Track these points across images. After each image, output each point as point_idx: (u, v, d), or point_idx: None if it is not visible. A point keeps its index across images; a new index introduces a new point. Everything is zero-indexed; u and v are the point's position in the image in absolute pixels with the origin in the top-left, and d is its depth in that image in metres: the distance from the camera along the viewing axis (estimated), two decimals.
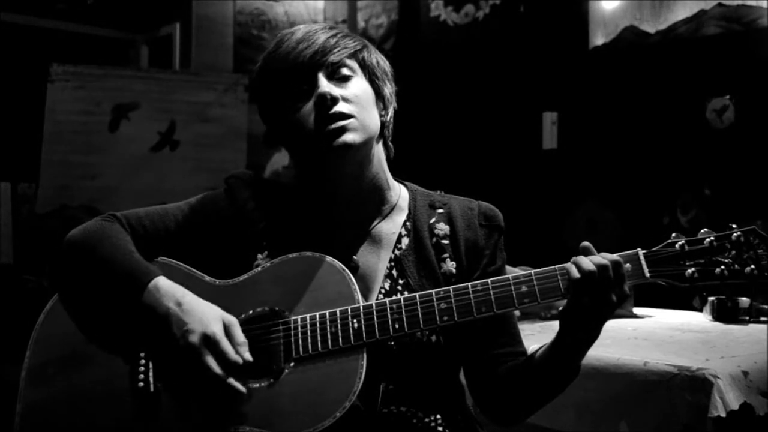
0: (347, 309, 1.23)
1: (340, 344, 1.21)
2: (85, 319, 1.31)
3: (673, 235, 1.24)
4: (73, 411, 1.26)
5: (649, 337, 2.17)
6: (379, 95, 1.37)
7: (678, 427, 1.68)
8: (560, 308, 1.24)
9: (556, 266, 1.23)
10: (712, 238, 1.22)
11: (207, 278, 1.32)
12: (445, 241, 1.37)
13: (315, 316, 1.24)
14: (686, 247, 1.22)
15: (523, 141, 4.07)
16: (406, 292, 1.31)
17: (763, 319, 2.41)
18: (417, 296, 1.23)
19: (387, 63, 1.42)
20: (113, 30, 5.15)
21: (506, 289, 1.22)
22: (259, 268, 1.31)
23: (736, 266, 1.20)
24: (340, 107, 1.28)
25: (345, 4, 5.05)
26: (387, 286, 1.34)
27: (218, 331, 1.19)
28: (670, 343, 2.07)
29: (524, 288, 1.22)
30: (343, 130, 1.28)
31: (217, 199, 1.41)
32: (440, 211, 1.41)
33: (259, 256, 1.33)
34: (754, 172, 3.22)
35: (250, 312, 1.28)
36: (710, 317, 2.46)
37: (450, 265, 1.35)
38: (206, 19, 4.80)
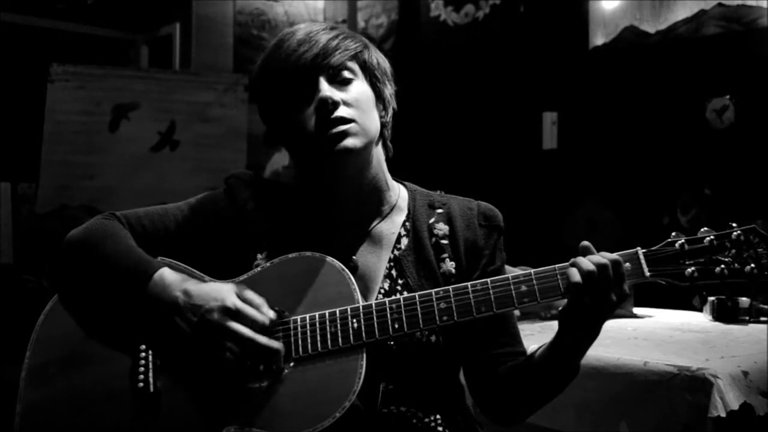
0: (347, 309, 1.23)
1: (340, 344, 1.21)
2: (87, 318, 1.31)
3: (673, 234, 1.24)
4: (73, 411, 1.26)
5: (649, 337, 2.17)
6: (379, 97, 1.37)
7: (678, 427, 1.67)
8: (560, 308, 1.23)
9: (556, 266, 1.22)
10: (712, 237, 1.21)
11: (207, 278, 1.32)
12: (445, 241, 1.37)
13: (315, 316, 1.24)
14: (686, 246, 1.22)
15: (523, 141, 4.07)
16: (405, 292, 1.31)
17: (763, 319, 2.41)
18: (416, 296, 1.23)
19: (387, 62, 1.41)
20: (113, 30, 5.15)
21: (506, 288, 1.22)
22: (259, 268, 1.31)
23: (736, 265, 1.20)
24: (341, 112, 1.28)
25: (345, 4, 5.05)
26: (386, 286, 1.34)
27: (237, 301, 1.20)
28: (670, 343, 2.07)
29: (524, 287, 1.22)
30: (344, 134, 1.28)
31: (216, 199, 1.41)
32: (439, 211, 1.41)
33: (259, 256, 1.33)
34: (754, 172, 3.22)
35: None
36: (710, 317, 2.46)
37: (449, 265, 1.35)
38: (206, 19, 4.80)
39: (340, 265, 1.27)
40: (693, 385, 1.67)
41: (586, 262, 1.17)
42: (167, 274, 1.25)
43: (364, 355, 1.20)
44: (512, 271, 1.29)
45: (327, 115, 1.28)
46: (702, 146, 3.40)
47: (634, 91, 3.67)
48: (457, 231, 1.38)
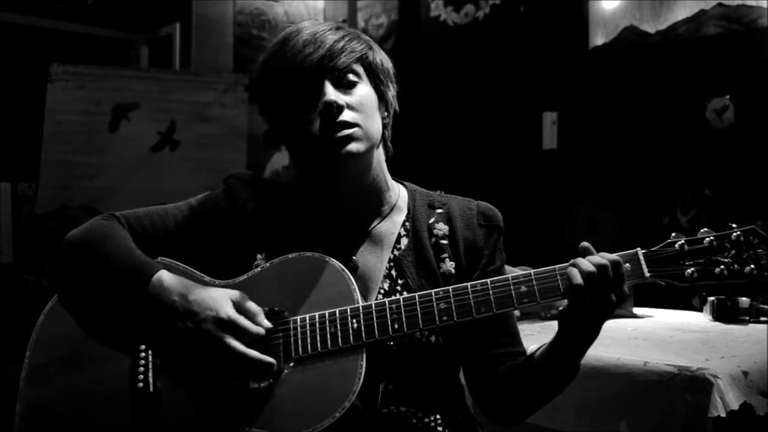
0: (346, 309, 1.23)
1: (340, 344, 1.21)
2: (86, 318, 1.31)
3: (673, 234, 1.24)
4: (73, 411, 1.26)
5: (649, 337, 2.17)
6: (382, 99, 1.37)
7: (678, 427, 1.67)
8: (560, 308, 1.23)
9: (556, 266, 1.22)
10: (711, 237, 1.21)
11: (206, 278, 1.32)
12: (444, 241, 1.37)
13: (314, 316, 1.24)
14: (686, 247, 1.22)
15: (523, 141, 4.07)
16: (405, 293, 1.31)
17: (763, 319, 2.41)
18: (416, 296, 1.23)
19: (390, 63, 1.41)
20: (113, 30, 5.14)
21: (505, 289, 1.22)
22: (259, 269, 1.31)
23: (735, 266, 1.20)
24: (346, 116, 1.28)
25: (345, 4, 5.05)
26: (386, 286, 1.34)
27: (231, 312, 1.20)
28: (670, 343, 2.07)
29: (523, 288, 1.22)
30: (349, 139, 1.28)
31: (216, 200, 1.41)
32: (439, 211, 1.41)
33: (259, 256, 1.33)
34: (754, 172, 3.22)
35: None
36: (710, 317, 2.46)
37: (449, 265, 1.35)
38: (206, 19, 4.80)
39: (340, 265, 1.27)
40: (693, 385, 1.67)
41: (586, 263, 1.17)
42: (165, 277, 1.24)
43: (364, 356, 1.20)
44: (512, 272, 1.29)
45: (332, 119, 1.27)
46: (702, 146, 3.40)
47: (634, 91, 3.67)
48: (457, 231, 1.38)
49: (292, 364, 1.22)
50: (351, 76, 1.31)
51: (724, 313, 2.42)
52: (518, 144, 4.10)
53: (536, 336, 2.15)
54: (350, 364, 1.20)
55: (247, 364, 1.19)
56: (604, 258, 1.18)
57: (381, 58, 1.38)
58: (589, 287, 1.16)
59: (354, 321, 1.22)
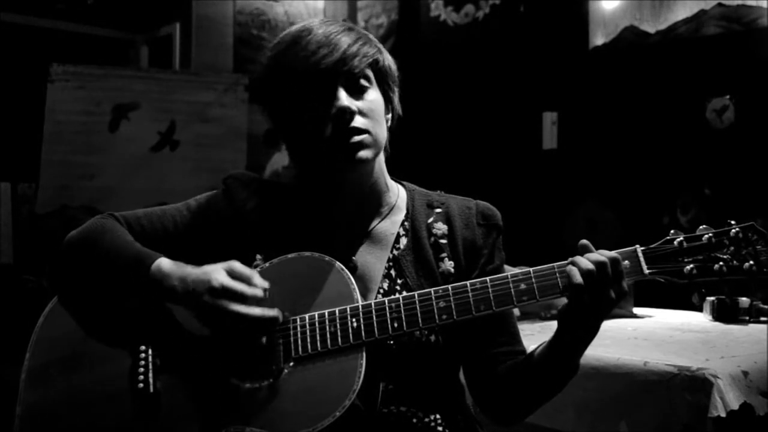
0: (346, 309, 1.23)
1: (340, 344, 1.21)
2: (87, 317, 1.31)
3: (672, 231, 1.24)
4: (73, 412, 1.26)
5: (649, 337, 2.17)
6: (388, 104, 1.37)
7: (678, 427, 1.67)
8: (559, 307, 1.24)
9: (554, 264, 1.23)
10: (710, 234, 1.21)
11: None
12: (443, 241, 1.37)
13: (314, 315, 1.24)
14: (684, 244, 1.22)
15: (523, 141, 4.07)
16: (404, 292, 1.31)
17: (763, 319, 2.41)
18: (416, 295, 1.23)
19: (395, 66, 1.41)
20: (113, 30, 5.14)
21: (505, 287, 1.22)
22: (258, 269, 1.31)
23: (734, 262, 1.20)
24: (357, 122, 1.28)
25: (345, 4, 5.05)
26: (386, 286, 1.34)
27: (224, 279, 1.20)
28: (670, 343, 2.07)
29: (523, 286, 1.22)
30: (360, 145, 1.28)
31: (215, 200, 1.41)
32: (438, 210, 1.41)
33: (258, 256, 1.33)
34: (754, 172, 3.22)
35: None
36: (710, 317, 2.46)
37: (448, 265, 1.35)
38: (206, 19, 4.79)
39: (340, 265, 1.27)
40: (693, 385, 1.67)
41: (585, 261, 1.18)
42: (165, 264, 1.25)
43: (364, 355, 1.20)
44: (511, 272, 1.29)
45: (344, 125, 1.27)
46: (702, 146, 3.40)
47: (634, 91, 3.67)
48: (456, 230, 1.38)
49: (291, 364, 1.22)
50: (363, 81, 1.31)
51: (724, 313, 2.42)
52: (518, 144, 4.10)
53: (536, 336, 2.15)
54: (350, 364, 1.20)
55: (251, 324, 1.19)
56: (603, 255, 1.18)
57: (389, 62, 1.38)
58: (588, 285, 1.16)
59: (354, 320, 1.22)
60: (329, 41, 1.28)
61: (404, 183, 1.47)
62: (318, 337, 1.22)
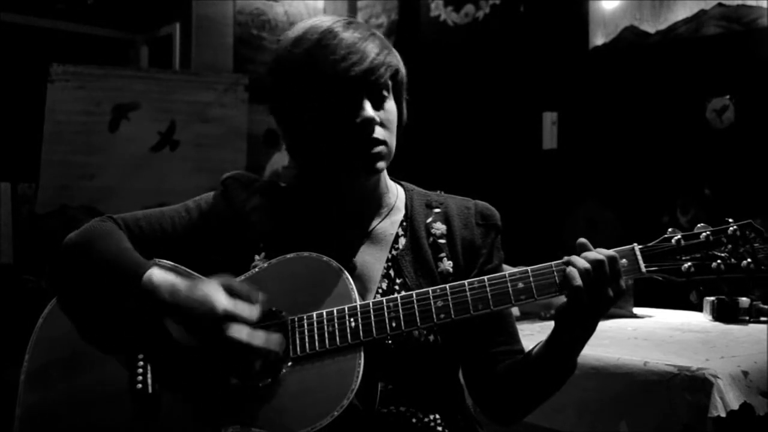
0: (344, 308, 1.23)
1: (338, 343, 1.21)
2: (83, 321, 1.31)
3: (669, 230, 1.24)
4: (72, 414, 1.26)
5: (649, 337, 2.17)
6: (400, 113, 1.37)
7: (678, 427, 1.67)
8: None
9: (552, 263, 1.23)
10: (708, 232, 1.21)
11: (204, 279, 1.32)
12: (442, 241, 1.37)
13: (312, 315, 1.24)
14: (682, 242, 1.22)
15: (523, 141, 4.07)
16: (403, 292, 1.31)
17: (763, 319, 2.41)
18: (414, 295, 1.23)
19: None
20: (113, 30, 5.14)
21: (503, 286, 1.22)
22: (257, 269, 1.31)
23: (732, 260, 1.20)
24: (378, 133, 1.28)
25: (345, 4, 5.06)
26: (384, 286, 1.34)
27: (226, 303, 1.18)
28: (670, 343, 2.07)
29: (521, 284, 1.22)
30: (379, 156, 1.29)
31: (214, 201, 1.40)
32: (437, 210, 1.41)
33: (257, 257, 1.33)
34: (753, 172, 3.22)
35: None
36: (710, 317, 2.46)
37: (447, 265, 1.35)
38: (206, 19, 4.80)
39: (338, 265, 1.27)
40: (693, 385, 1.67)
41: (583, 260, 1.18)
42: (156, 276, 1.23)
43: (362, 354, 1.20)
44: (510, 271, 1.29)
45: (367, 136, 1.27)
46: (702, 146, 3.40)
47: (634, 91, 3.67)
48: (455, 230, 1.38)
49: (290, 364, 1.22)
50: (384, 92, 1.31)
51: (724, 313, 2.42)
52: (518, 144, 4.10)
53: (536, 336, 2.14)
54: (348, 363, 1.20)
55: (254, 354, 1.18)
56: (600, 254, 1.18)
57: (404, 71, 1.38)
58: (586, 283, 1.16)
59: (352, 320, 1.22)
60: (357, 48, 1.26)
61: (403, 183, 1.47)
62: (316, 337, 1.22)
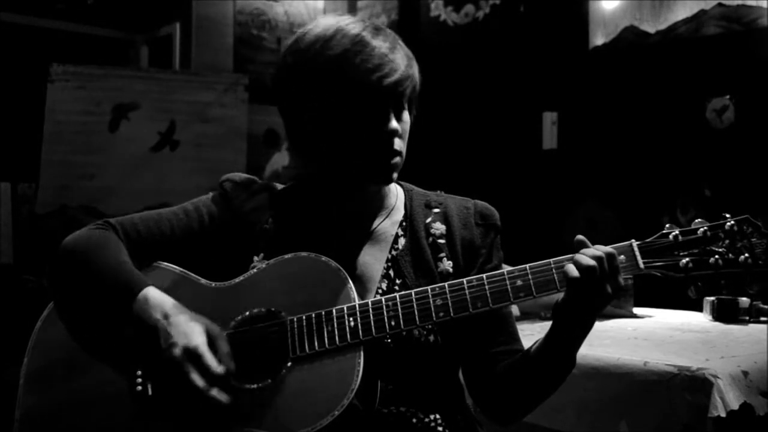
0: (343, 308, 1.23)
1: (337, 343, 1.21)
2: (78, 329, 1.30)
3: (667, 225, 1.24)
4: (71, 415, 1.26)
5: (649, 337, 2.17)
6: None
7: (678, 427, 1.67)
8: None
9: (551, 260, 1.23)
10: (705, 227, 1.22)
11: (203, 281, 1.32)
12: (442, 241, 1.37)
13: (311, 315, 1.24)
14: (680, 238, 1.22)
15: (523, 141, 4.07)
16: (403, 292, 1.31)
17: (763, 319, 2.41)
18: (412, 293, 1.23)
19: None
20: (113, 30, 5.14)
21: (501, 283, 1.22)
22: (256, 269, 1.31)
23: (730, 255, 1.20)
24: (397, 145, 1.30)
25: (345, 4, 5.06)
26: (384, 286, 1.34)
27: (201, 344, 1.17)
28: (670, 343, 2.07)
29: (519, 282, 1.22)
30: (395, 167, 1.31)
31: (212, 202, 1.40)
32: (436, 210, 1.41)
33: (255, 258, 1.33)
34: (753, 172, 3.22)
35: (247, 313, 1.28)
36: (710, 317, 2.46)
37: (447, 265, 1.35)
38: (206, 19, 4.79)
39: (337, 265, 1.27)
40: (693, 385, 1.67)
41: (581, 257, 1.18)
42: (151, 295, 1.23)
43: (362, 353, 1.20)
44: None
45: (389, 147, 1.28)
46: (702, 146, 3.40)
47: (634, 91, 3.67)
48: (454, 230, 1.38)
49: (289, 364, 1.22)
50: (404, 103, 1.32)
51: (724, 313, 2.42)
52: (518, 144, 4.10)
53: (536, 336, 2.12)
54: (348, 363, 1.20)
55: (202, 397, 1.16)
56: (599, 250, 1.19)
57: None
58: (585, 280, 1.17)
59: (351, 319, 1.22)
60: (389, 59, 1.26)
61: (402, 183, 1.47)
62: (315, 337, 1.22)
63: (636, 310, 2.61)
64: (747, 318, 2.40)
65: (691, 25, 3.46)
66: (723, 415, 1.62)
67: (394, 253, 1.37)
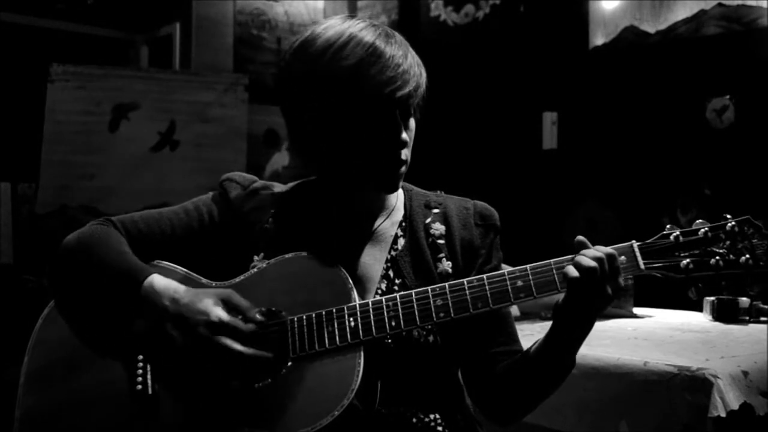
0: (343, 308, 1.23)
1: (337, 343, 1.21)
2: (81, 324, 1.31)
3: (668, 226, 1.24)
4: (72, 415, 1.26)
5: (649, 337, 2.17)
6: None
7: (678, 427, 1.67)
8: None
9: (551, 260, 1.23)
10: (706, 228, 1.22)
11: (203, 280, 1.32)
12: (441, 241, 1.37)
13: (312, 315, 1.24)
14: (681, 239, 1.22)
15: (523, 141, 4.07)
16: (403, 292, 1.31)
17: (763, 319, 2.41)
18: (413, 293, 1.23)
19: None
20: (113, 30, 5.14)
21: (502, 284, 1.22)
22: (255, 269, 1.31)
23: (731, 256, 1.20)
24: (404, 154, 1.30)
25: (345, 4, 5.05)
26: (384, 286, 1.34)
27: (222, 314, 1.19)
28: (670, 343, 2.07)
29: (520, 282, 1.22)
30: (401, 176, 1.32)
31: (212, 202, 1.40)
32: (436, 211, 1.41)
33: (256, 257, 1.33)
34: (753, 172, 3.22)
35: None
36: (710, 317, 2.46)
37: (446, 265, 1.35)
38: (206, 19, 4.79)
39: (337, 265, 1.27)
40: (693, 385, 1.67)
41: (581, 258, 1.18)
42: (157, 281, 1.24)
43: (362, 354, 1.20)
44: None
45: (397, 157, 1.29)
46: (702, 146, 3.40)
47: (634, 91, 3.67)
48: (454, 231, 1.38)
49: (290, 364, 1.22)
50: (412, 111, 1.32)
51: (724, 313, 2.42)
52: (518, 144, 4.10)
53: (536, 336, 2.13)
54: (348, 363, 1.20)
55: (245, 362, 1.19)
56: (599, 251, 1.19)
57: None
58: (585, 281, 1.16)
59: (351, 319, 1.22)
60: (403, 70, 1.26)
61: (402, 183, 1.47)
62: (316, 337, 1.22)
63: (636, 310, 2.61)
64: (747, 318, 2.41)
65: (691, 25, 3.46)
66: (723, 415, 1.62)
67: (393, 253, 1.37)
